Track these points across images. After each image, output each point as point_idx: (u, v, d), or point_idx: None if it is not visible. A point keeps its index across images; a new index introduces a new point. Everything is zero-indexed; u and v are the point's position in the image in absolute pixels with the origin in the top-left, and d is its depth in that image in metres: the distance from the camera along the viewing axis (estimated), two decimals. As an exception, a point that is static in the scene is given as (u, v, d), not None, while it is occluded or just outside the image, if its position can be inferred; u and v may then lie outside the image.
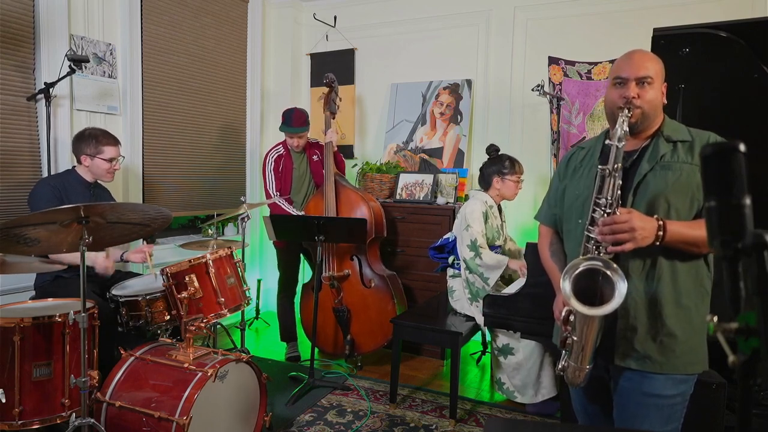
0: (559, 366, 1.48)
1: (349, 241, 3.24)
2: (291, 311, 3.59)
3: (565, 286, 1.31)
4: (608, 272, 1.30)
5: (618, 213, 1.32)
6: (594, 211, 1.36)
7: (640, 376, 1.41)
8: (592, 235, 1.36)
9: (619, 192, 1.34)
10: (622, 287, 1.27)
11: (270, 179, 3.48)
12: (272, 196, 3.46)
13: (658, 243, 1.31)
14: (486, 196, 2.95)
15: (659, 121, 1.46)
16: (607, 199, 1.34)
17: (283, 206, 3.42)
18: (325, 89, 3.61)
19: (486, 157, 3.07)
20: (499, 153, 3.03)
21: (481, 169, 3.06)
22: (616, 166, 1.33)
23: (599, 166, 1.37)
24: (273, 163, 3.49)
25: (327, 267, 3.38)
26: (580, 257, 1.36)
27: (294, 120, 3.36)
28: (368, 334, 3.33)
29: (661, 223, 1.31)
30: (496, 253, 2.94)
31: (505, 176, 2.92)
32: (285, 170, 3.48)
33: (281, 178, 3.47)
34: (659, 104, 1.44)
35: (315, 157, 3.54)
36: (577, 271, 1.32)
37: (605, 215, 1.33)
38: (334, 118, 3.57)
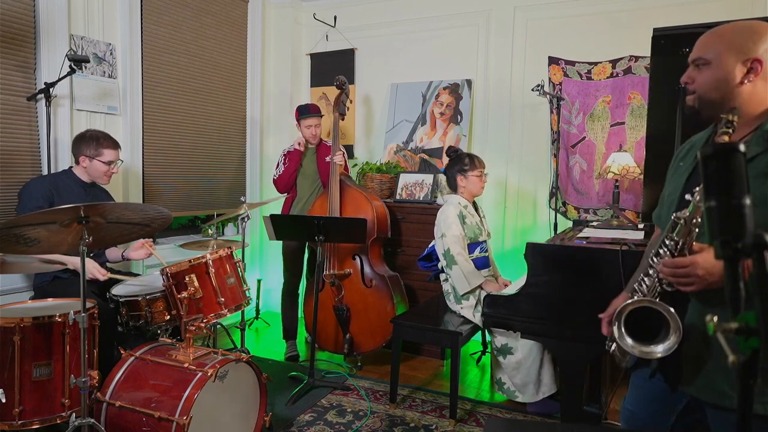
0: (608, 344, 1.37)
1: (348, 241, 3.24)
2: (293, 308, 3.60)
3: (614, 329, 1.24)
4: (665, 315, 1.19)
5: (686, 254, 1.17)
6: (661, 247, 1.23)
7: (714, 410, 1.22)
8: (656, 267, 1.24)
9: (693, 236, 1.18)
10: (672, 339, 1.17)
11: (279, 169, 3.56)
12: (274, 179, 3.55)
13: None
14: (458, 198, 3.00)
15: (750, 110, 1.20)
16: (675, 241, 1.19)
17: (279, 173, 3.51)
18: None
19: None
20: (459, 152, 3.10)
21: (445, 172, 3.14)
22: (695, 220, 1.16)
23: (673, 215, 1.20)
24: (283, 158, 3.57)
25: (329, 265, 3.39)
26: (633, 298, 1.25)
27: (311, 108, 3.53)
28: (367, 333, 3.33)
29: None
30: (481, 249, 3.01)
31: (467, 173, 2.98)
32: (292, 165, 3.51)
33: (289, 170, 3.52)
34: (724, 86, 1.20)
35: (327, 159, 3.56)
36: (623, 316, 1.24)
37: (668, 255, 1.20)
38: (343, 119, 3.60)
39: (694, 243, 1.19)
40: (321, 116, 3.56)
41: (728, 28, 1.24)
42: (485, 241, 3.08)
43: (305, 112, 3.50)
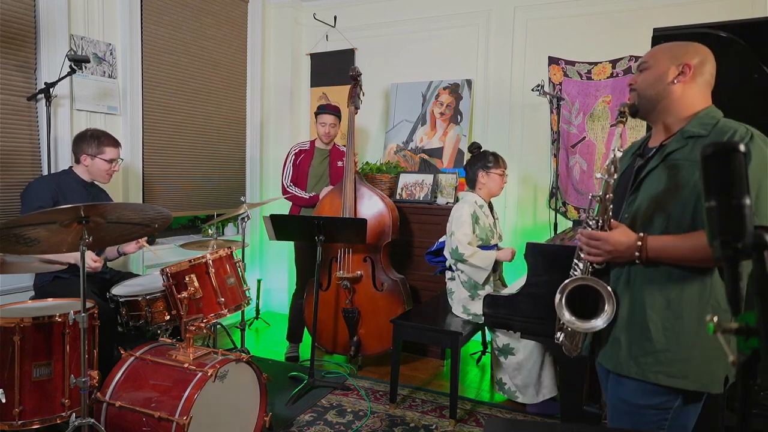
0: (557, 336, 1.52)
1: (348, 241, 3.24)
2: (302, 312, 3.57)
3: (558, 299, 1.41)
4: (599, 290, 1.37)
5: (606, 230, 1.35)
6: (584, 226, 1.41)
7: (615, 379, 1.40)
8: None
9: (609, 214, 1.36)
10: (608, 309, 1.35)
11: (288, 171, 3.56)
12: (285, 187, 3.54)
13: (638, 262, 1.31)
14: (475, 196, 2.95)
15: (679, 111, 1.36)
16: (596, 220, 1.37)
17: (298, 194, 3.52)
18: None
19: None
20: (482, 149, 3.03)
21: (465, 168, 3.07)
22: (608, 196, 1.35)
23: (590, 195, 1.41)
24: (293, 156, 3.57)
25: (340, 267, 3.37)
26: (572, 277, 1.42)
27: (329, 106, 3.55)
28: (375, 336, 3.31)
29: (640, 243, 1.29)
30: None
31: (490, 170, 2.92)
32: (302, 165, 3.54)
33: (297, 171, 3.54)
34: (658, 84, 1.37)
35: (339, 163, 3.55)
36: (565, 294, 1.40)
37: (589, 228, 1.39)
38: (357, 113, 3.56)
39: (612, 221, 1.36)
40: (339, 117, 3.55)
41: (672, 43, 1.43)
42: (496, 245, 3.02)
43: (323, 109, 3.53)
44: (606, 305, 1.35)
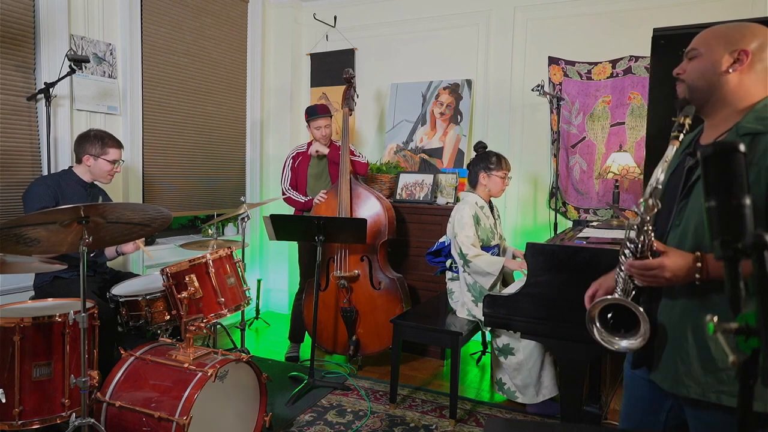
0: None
1: (348, 241, 3.24)
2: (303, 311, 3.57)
3: (588, 319, 1.29)
4: (632, 309, 1.24)
5: (651, 256, 1.20)
6: (625, 247, 1.26)
7: (694, 413, 1.25)
8: (624, 266, 1.27)
9: (651, 238, 1.21)
10: (644, 328, 1.22)
11: (286, 175, 3.57)
12: (284, 191, 3.56)
13: (698, 283, 1.15)
14: (475, 197, 2.94)
15: (735, 103, 1.21)
16: (636, 243, 1.22)
17: (294, 198, 3.53)
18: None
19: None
20: (487, 150, 3.01)
21: (468, 167, 3.06)
22: (647, 228, 1.20)
23: (628, 221, 1.25)
24: (291, 161, 3.58)
25: (338, 267, 3.37)
26: (606, 297, 1.29)
27: (318, 108, 3.50)
28: (374, 335, 3.31)
29: (699, 265, 1.13)
30: (492, 254, 2.94)
31: (491, 171, 2.90)
32: (300, 168, 3.54)
33: (296, 174, 3.55)
34: (711, 74, 1.22)
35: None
36: (596, 312, 1.29)
37: (632, 257, 1.23)
38: (351, 114, 3.56)
39: (654, 242, 1.21)
40: (330, 116, 3.54)
41: (724, 25, 1.26)
42: (498, 245, 3.01)
43: (313, 112, 3.49)
44: (641, 326, 1.23)
